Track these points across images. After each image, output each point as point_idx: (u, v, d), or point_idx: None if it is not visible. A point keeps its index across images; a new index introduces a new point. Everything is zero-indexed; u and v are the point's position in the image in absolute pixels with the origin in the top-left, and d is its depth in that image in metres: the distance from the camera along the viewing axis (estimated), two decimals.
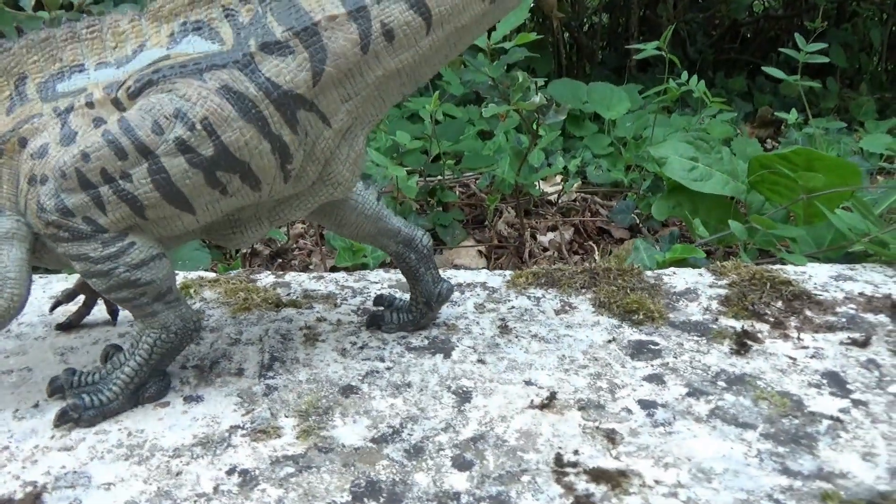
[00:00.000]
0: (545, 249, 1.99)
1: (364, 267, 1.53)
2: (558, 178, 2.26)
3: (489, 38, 1.60)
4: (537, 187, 2.00)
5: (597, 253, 1.89)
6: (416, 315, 0.92)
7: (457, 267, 1.81)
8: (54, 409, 0.75)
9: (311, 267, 1.82)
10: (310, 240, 1.93)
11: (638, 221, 2.01)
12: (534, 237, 2.02)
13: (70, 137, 0.70)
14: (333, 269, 1.60)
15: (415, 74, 0.73)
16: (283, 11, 0.68)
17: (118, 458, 0.68)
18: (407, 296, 1.02)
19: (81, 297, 0.94)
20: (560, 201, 2.21)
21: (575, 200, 2.28)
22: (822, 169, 1.39)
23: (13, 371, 0.83)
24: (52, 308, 0.94)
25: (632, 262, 1.26)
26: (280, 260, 1.85)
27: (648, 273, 1.13)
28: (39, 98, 0.72)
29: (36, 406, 0.76)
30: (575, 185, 2.20)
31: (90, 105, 0.70)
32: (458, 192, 2.16)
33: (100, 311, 0.96)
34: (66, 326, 0.94)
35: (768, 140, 3.08)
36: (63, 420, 0.72)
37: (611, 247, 1.98)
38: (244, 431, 0.72)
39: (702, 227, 1.37)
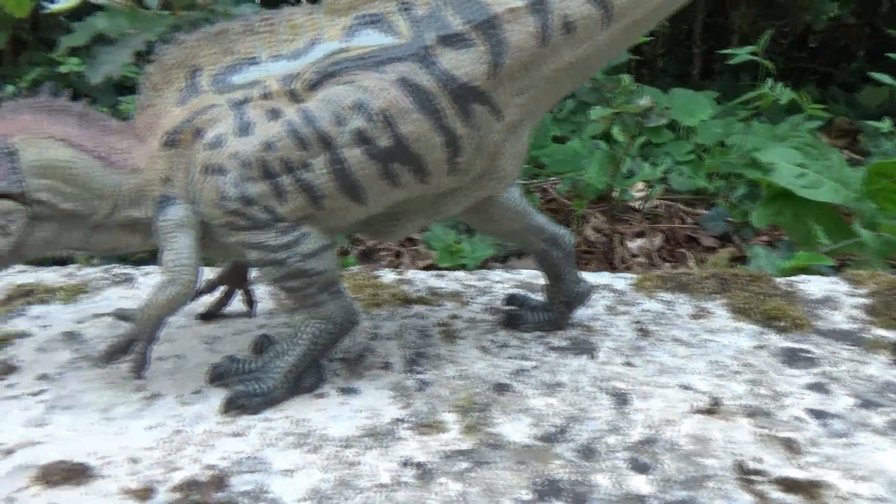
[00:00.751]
0: (634, 255, 1.96)
1: (463, 268, 1.52)
2: (640, 185, 2.23)
3: None
4: (629, 193, 1.97)
5: (692, 261, 1.85)
6: (554, 315, 0.91)
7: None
8: (216, 395, 0.76)
9: (399, 267, 1.83)
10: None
11: (729, 230, 1.96)
12: (622, 243, 1.99)
13: (246, 128, 0.71)
14: (430, 268, 1.60)
15: (587, 68, 0.72)
16: (461, 4, 0.68)
17: (290, 445, 0.68)
18: (539, 296, 1.01)
19: (221, 288, 0.95)
20: (644, 207, 2.17)
21: (657, 207, 2.24)
22: None
23: (166, 358, 0.85)
24: (194, 297, 0.95)
25: (757, 269, 1.23)
26: (369, 260, 1.86)
27: (779, 280, 1.09)
28: (213, 90, 0.73)
29: (198, 392, 0.77)
30: (658, 192, 2.16)
31: (266, 96, 0.70)
32: (537, 197, 2.15)
33: (237, 302, 0.98)
34: (207, 316, 0.95)
35: (845, 150, 2.98)
36: (231, 406, 0.73)
37: (702, 255, 1.94)
38: (408, 425, 0.71)
39: (822, 234, 1.33)
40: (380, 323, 0.94)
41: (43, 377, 0.81)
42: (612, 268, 1.85)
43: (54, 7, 1.08)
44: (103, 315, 0.97)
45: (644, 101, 1.45)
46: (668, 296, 1.04)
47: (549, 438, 0.69)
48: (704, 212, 2.17)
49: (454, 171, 0.72)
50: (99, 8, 1.19)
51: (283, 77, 0.70)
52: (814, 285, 1.07)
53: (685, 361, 0.84)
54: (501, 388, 0.78)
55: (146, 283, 1.10)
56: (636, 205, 2.17)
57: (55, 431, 0.71)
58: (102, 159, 0.77)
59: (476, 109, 0.69)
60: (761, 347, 0.88)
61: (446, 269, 1.50)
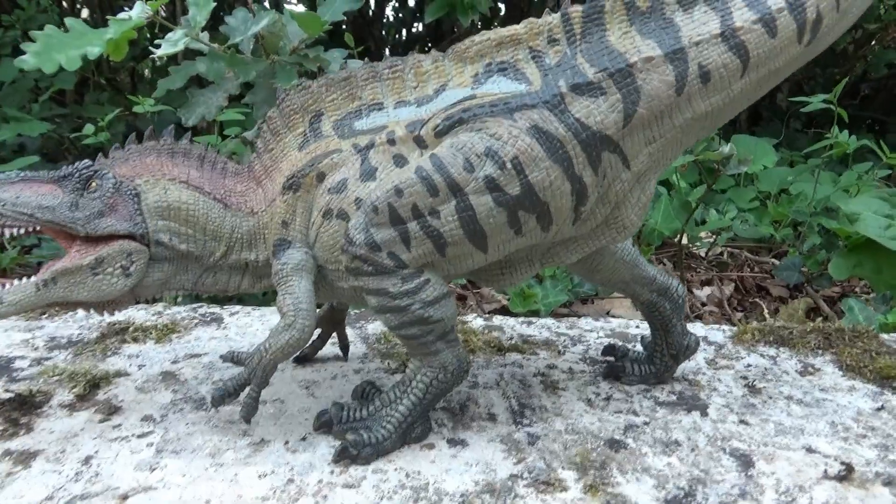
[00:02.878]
0: (703, 304, 1.91)
1: (535, 314, 1.50)
2: (704, 232, 2.19)
3: None
4: (703, 241, 1.94)
5: (766, 311, 1.80)
6: (659, 367, 0.88)
7: (614, 316, 1.76)
8: (324, 442, 0.75)
9: (463, 310, 1.81)
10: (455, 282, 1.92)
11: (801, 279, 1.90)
12: (690, 291, 1.95)
13: (370, 173, 0.70)
14: (500, 312, 1.57)
15: (719, 117, 0.70)
16: (594, 53, 0.68)
17: (406, 499, 0.66)
18: (636, 346, 0.98)
19: (316, 331, 0.95)
20: (709, 255, 2.13)
21: (721, 254, 2.20)
22: None
23: (266, 402, 0.84)
24: None
25: (851, 324, 1.18)
26: None
27: (884, 336, 1.05)
28: (336, 135, 0.74)
29: (304, 439, 0.76)
30: (723, 240, 2.12)
31: (391, 142, 0.70)
32: None
33: (331, 346, 0.97)
34: (302, 359, 0.94)
35: None
36: (343, 456, 0.71)
37: (774, 304, 1.89)
38: (525, 481, 0.69)
39: None
40: (478, 371, 0.92)
41: (147, 418, 0.81)
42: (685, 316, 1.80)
43: (160, 52, 1.11)
44: (198, 356, 0.97)
45: (726, 149, 1.43)
46: (770, 350, 1.00)
47: (676, 502, 0.66)
48: (770, 260, 2.12)
49: (577, 219, 0.70)
50: (197, 53, 1.22)
51: (409, 123, 0.70)
52: None
53: (804, 422, 0.81)
54: (615, 444, 0.75)
55: (234, 323, 1.10)
56: (701, 252, 2.13)
57: (167, 477, 0.70)
58: (220, 201, 0.77)
59: (605, 158, 0.68)
60: (882, 409, 0.84)
61: (520, 314, 1.48)
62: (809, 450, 0.75)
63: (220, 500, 0.66)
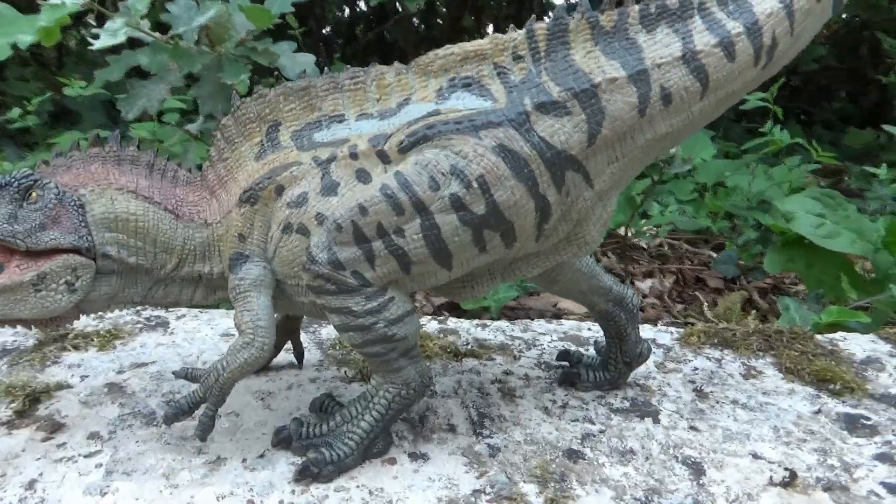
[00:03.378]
0: (645, 296, 1.97)
1: (486, 310, 1.51)
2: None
3: None
4: (647, 234, 1.99)
5: (704, 303, 1.86)
6: (613, 374, 0.90)
7: (561, 311, 1.79)
8: (282, 459, 0.74)
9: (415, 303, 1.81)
10: None
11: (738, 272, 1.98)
12: (633, 283, 2.00)
13: (331, 188, 0.69)
14: (448, 308, 1.58)
15: (678, 137, 0.71)
16: (559, 72, 0.68)
17: None
18: (591, 350, 1.00)
19: None
20: (649, 247, 2.19)
21: (661, 245, 2.27)
22: None
23: (221, 415, 0.82)
24: None
25: (788, 324, 1.23)
26: None
27: (819, 338, 1.10)
28: (295, 146, 0.72)
29: (262, 456, 0.75)
30: (665, 232, 2.18)
31: (353, 156, 0.69)
32: None
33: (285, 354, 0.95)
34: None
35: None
36: (304, 475, 0.70)
37: (711, 296, 1.96)
38: (489, 496, 0.69)
39: (851, 287, 1.35)
40: (436, 378, 0.92)
41: (94, 436, 0.78)
42: None
43: (99, 45, 1.05)
44: (145, 364, 0.94)
45: (673, 150, 1.46)
46: (715, 353, 1.04)
47: None
48: (708, 252, 2.19)
49: (540, 236, 0.71)
50: (137, 42, 1.16)
51: (372, 137, 0.69)
52: (854, 344, 1.08)
53: (749, 427, 0.84)
54: (573, 454, 0.77)
55: (181, 328, 1.06)
56: (643, 244, 2.19)
57: (119, 501, 0.67)
58: (171, 212, 0.74)
59: (569, 177, 0.68)
60: (818, 412, 0.88)
61: (473, 311, 1.49)
62: (755, 456, 0.78)
63: None
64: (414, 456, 0.76)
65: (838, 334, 1.12)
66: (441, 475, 0.72)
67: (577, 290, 0.86)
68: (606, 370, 0.90)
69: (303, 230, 0.69)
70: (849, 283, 1.46)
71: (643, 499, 0.70)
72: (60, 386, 0.88)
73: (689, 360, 1.01)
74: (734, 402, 0.90)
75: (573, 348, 0.98)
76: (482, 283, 0.77)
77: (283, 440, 0.75)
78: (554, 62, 0.68)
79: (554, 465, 0.75)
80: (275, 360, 0.94)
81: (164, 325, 1.07)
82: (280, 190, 0.70)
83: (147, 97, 1.18)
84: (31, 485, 0.69)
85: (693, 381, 0.95)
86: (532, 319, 1.16)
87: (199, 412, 0.73)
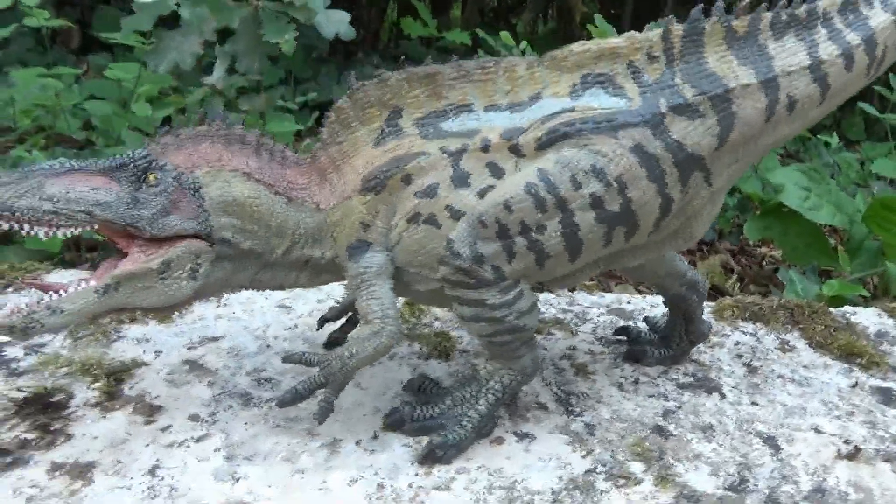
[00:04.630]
0: None
1: None
2: None
3: None
4: None
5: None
6: (675, 351, 0.96)
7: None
8: (395, 441, 0.76)
9: None
10: None
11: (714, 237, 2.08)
12: None
13: (462, 180, 0.69)
14: None
15: (783, 141, 0.75)
16: (693, 75, 0.69)
17: (501, 500, 0.69)
18: (641, 324, 1.05)
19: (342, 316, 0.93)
20: None
21: None
22: None
23: (316, 397, 0.82)
24: (320, 324, 0.92)
25: (793, 296, 1.33)
26: None
27: (834, 312, 1.19)
28: (420, 134, 0.71)
29: (375, 438, 0.76)
30: None
31: (485, 149, 0.69)
32: None
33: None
34: (333, 344, 0.92)
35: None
36: (429, 458, 0.72)
37: (690, 258, 2.06)
38: (602, 476, 0.74)
39: (846, 261, 1.45)
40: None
41: (196, 418, 0.77)
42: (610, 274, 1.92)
43: None
44: (214, 340, 0.92)
45: None
46: (749, 327, 1.11)
47: (735, 489, 0.74)
48: None
49: (654, 231, 0.74)
50: None
51: (504, 130, 0.69)
52: (864, 318, 1.18)
53: (801, 401, 0.92)
54: (662, 431, 0.82)
55: (234, 299, 1.04)
56: None
57: (254, 488, 0.68)
58: (282, 195, 0.73)
59: (693, 177, 0.71)
60: (855, 386, 0.97)
61: None
62: (817, 430, 0.86)
63: None
64: (518, 435, 0.79)
65: (847, 308, 1.22)
66: (551, 455, 0.76)
67: (654, 274, 0.89)
68: (669, 347, 0.96)
69: (432, 221, 0.69)
70: (817, 250, 1.57)
71: (737, 474, 0.77)
72: (137, 363, 0.85)
73: (729, 335, 1.08)
74: (781, 376, 0.97)
75: (630, 324, 1.03)
76: (586, 273, 0.79)
77: (395, 422, 0.76)
78: (688, 64, 0.70)
79: (648, 443, 0.80)
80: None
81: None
82: (408, 179, 0.70)
83: (177, 50, 1.12)
84: (153, 472, 0.69)
85: (740, 356, 1.01)
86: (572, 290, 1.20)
87: (320, 398, 0.73)
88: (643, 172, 0.68)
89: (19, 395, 0.77)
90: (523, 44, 1.96)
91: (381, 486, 0.70)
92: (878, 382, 0.98)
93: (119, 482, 0.67)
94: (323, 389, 0.72)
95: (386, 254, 0.72)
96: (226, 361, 0.87)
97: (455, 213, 0.69)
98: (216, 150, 0.71)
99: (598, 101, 0.69)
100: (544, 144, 0.68)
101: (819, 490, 0.75)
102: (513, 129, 0.69)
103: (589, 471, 0.74)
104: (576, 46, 0.70)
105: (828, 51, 0.70)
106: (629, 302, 1.17)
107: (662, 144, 0.68)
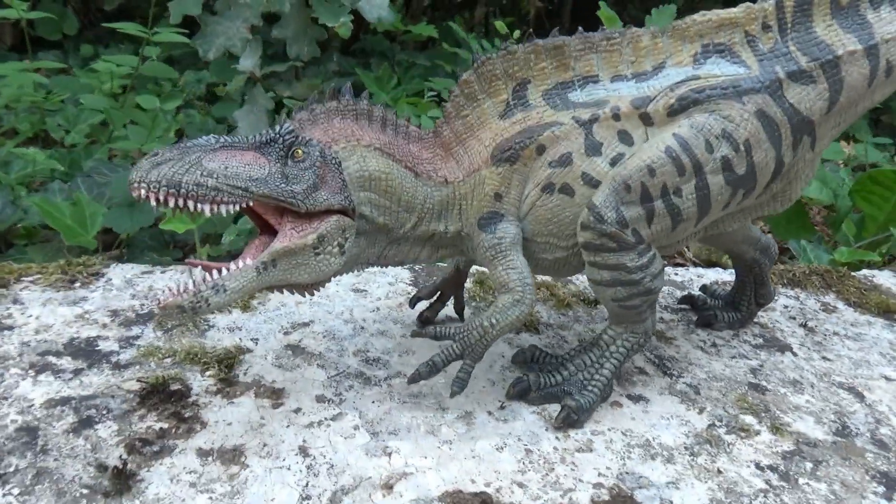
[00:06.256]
0: None
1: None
2: None
3: None
4: None
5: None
6: (744, 314, 1.00)
7: None
8: (522, 409, 0.77)
9: None
10: None
11: None
12: None
13: (595, 148, 0.71)
14: None
15: (871, 106, 0.80)
16: (805, 43, 0.73)
17: (643, 456, 0.72)
18: (695, 291, 1.09)
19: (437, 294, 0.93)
20: None
21: None
22: None
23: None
24: (413, 303, 0.92)
25: (806, 263, 1.41)
26: None
27: (856, 274, 1.27)
28: (548, 105, 0.72)
29: (503, 408, 0.77)
30: None
31: (616, 118, 0.71)
32: None
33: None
34: (424, 321, 0.93)
35: None
36: (567, 422, 0.74)
37: None
38: (724, 429, 0.77)
39: (852, 229, 1.55)
40: (595, 327, 0.97)
41: (323, 399, 0.76)
42: None
43: None
44: (306, 324, 0.91)
45: None
46: (789, 291, 1.18)
47: (842, 433, 0.79)
48: None
49: (762, 194, 0.78)
50: None
51: (633, 99, 0.71)
52: (884, 280, 1.27)
53: (863, 354, 0.98)
54: (758, 388, 0.87)
55: None
56: None
57: (410, 460, 0.68)
58: (410, 170, 0.73)
59: (803, 141, 0.75)
60: None
61: None
62: (887, 378, 0.92)
63: (483, 477, 0.66)
64: (633, 398, 0.82)
65: (865, 272, 1.31)
66: (670, 413, 0.79)
67: (732, 240, 0.94)
68: (738, 311, 1.00)
69: (566, 189, 0.71)
70: (798, 225, 1.67)
71: (838, 421, 0.82)
72: (240, 350, 0.83)
73: (776, 299, 1.14)
74: (836, 334, 1.04)
75: (696, 293, 1.07)
76: (689, 239, 0.82)
77: (521, 391, 0.77)
78: (799, 33, 0.74)
79: (750, 398, 0.84)
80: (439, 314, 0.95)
81: None
82: (541, 149, 0.71)
83: (225, 35, 1.09)
84: (304, 452, 0.68)
85: (793, 318, 1.08)
86: None
87: (458, 370, 0.73)
88: (765, 136, 0.72)
89: (138, 386, 0.74)
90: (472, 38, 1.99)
91: (528, 451, 0.71)
92: None
93: (274, 463, 0.66)
94: (461, 361, 0.73)
95: (518, 224, 0.73)
96: (327, 344, 0.87)
97: (589, 181, 0.71)
98: (349, 126, 0.70)
99: (719, 69, 0.72)
100: (676, 111, 0.71)
101: None
102: (642, 98, 0.71)
103: (710, 426, 0.78)
104: (697, 17, 0.73)
105: None
106: (676, 274, 1.21)
107: (781, 109, 0.72)
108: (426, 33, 2.75)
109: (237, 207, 0.62)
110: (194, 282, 0.61)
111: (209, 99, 1.95)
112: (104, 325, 0.86)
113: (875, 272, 1.30)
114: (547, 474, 0.68)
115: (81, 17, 2.45)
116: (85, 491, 0.61)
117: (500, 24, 1.95)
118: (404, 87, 2.04)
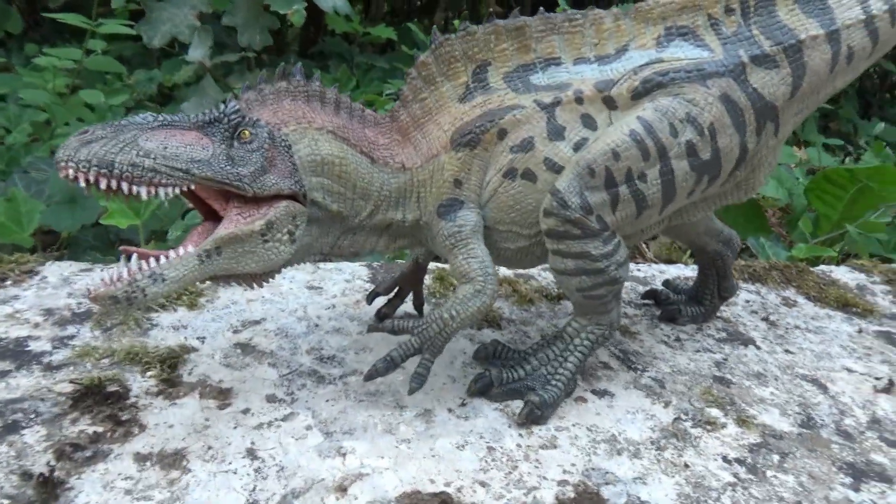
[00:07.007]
0: None
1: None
2: None
3: None
4: None
5: (642, 244, 2.03)
6: (707, 308, 0.99)
7: None
8: (483, 406, 0.74)
9: None
10: None
11: None
12: None
13: (558, 132, 0.69)
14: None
15: (832, 93, 0.80)
16: (767, 27, 0.72)
17: (609, 452, 0.69)
18: (659, 286, 1.08)
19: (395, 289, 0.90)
20: None
21: None
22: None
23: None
24: (371, 299, 0.88)
25: (766, 259, 1.41)
26: None
27: (814, 270, 1.28)
28: (509, 88, 0.70)
29: (464, 405, 0.74)
30: None
31: (579, 101, 0.69)
32: None
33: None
34: (383, 317, 0.89)
35: None
36: (530, 418, 0.71)
37: None
38: (690, 423, 0.75)
39: (809, 227, 1.56)
40: (556, 321, 0.95)
41: (273, 399, 0.72)
42: None
43: None
44: (257, 322, 0.86)
45: None
46: (750, 286, 1.17)
47: (807, 425, 0.78)
48: None
49: (726, 181, 0.76)
50: None
51: (596, 82, 0.69)
52: (841, 275, 1.27)
53: (824, 347, 0.98)
54: (722, 381, 0.85)
55: None
56: None
57: (366, 460, 0.64)
58: (366, 155, 0.69)
59: (766, 126, 0.74)
60: (860, 332, 1.05)
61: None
62: (848, 370, 0.92)
63: (443, 477, 0.63)
64: (597, 393, 0.79)
65: (823, 267, 1.31)
66: (636, 407, 0.77)
67: (694, 232, 0.93)
68: (701, 305, 0.99)
69: (528, 175, 0.69)
70: (755, 225, 1.68)
71: (802, 413, 0.80)
72: (185, 349, 0.78)
73: (738, 294, 1.13)
74: (797, 327, 1.03)
75: (659, 288, 1.06)
76: (650, 230, 0.81)
77: (483, 386, 0.74)
78: (762, 17, 0.73)
79: (715, 391, 0.82)
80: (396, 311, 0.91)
81: None
82: (503, 134, 0.69)
83: (171, 21, 1.04)
84: (251, 454, 0.63)
85: (755, 312, 1.07)
86: None
87: (417, 365, 0.70)
88: (729, 121, 0.70)
89: (70, 388, 0.69)
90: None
91: (490, 448, 0.68)
92: (877, 328, 1.06)
93: (219, 467, 0.61)
94: (420, 356, 0.69)
95: (478, 211, 0.70)
96: (279, 342, 0.82)
97: (552, 166, 0.68)
98: (299, 107, 0.67)
99: (683, 52, 0.71)
100: (640, 94, 0.69)
101: (875, 420, 0.81)
102: (605, 81, 0.69)
103: (676, 419, 0.76)
104: None
105: (877, 6, 0.76)
106: (638, 270, 1.20)
107: (744, 93, 0.71)
108: (385, 35, 2.72)
109: (177, 191, 0.58)
110: (129, 270, 0.56)
111: (161, 100, 1.88)
112: (36, 325, 0.80)
113: (833, 268, 1.31)
114: (510, 472, 0.65)
115: (26, 16, 2.36)
116: (6, 502, 0.55)
117: (414, 30, 1.93)
118: (363, 90, 2.00)
